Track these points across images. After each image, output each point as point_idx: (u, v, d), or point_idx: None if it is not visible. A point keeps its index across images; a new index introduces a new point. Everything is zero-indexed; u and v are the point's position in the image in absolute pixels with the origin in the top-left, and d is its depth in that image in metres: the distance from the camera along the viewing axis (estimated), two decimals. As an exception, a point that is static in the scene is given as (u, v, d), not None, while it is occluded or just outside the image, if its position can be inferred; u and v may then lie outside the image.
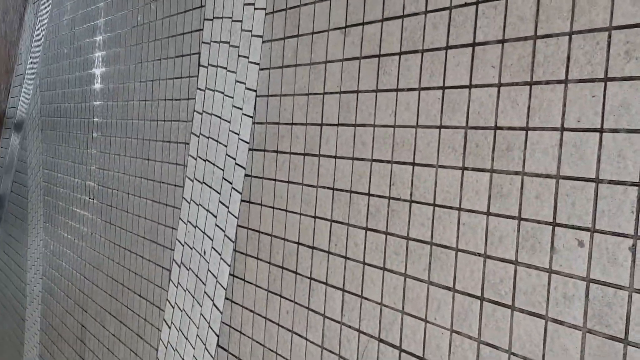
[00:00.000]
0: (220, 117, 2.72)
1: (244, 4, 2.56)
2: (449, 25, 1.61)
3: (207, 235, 2.75)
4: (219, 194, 2.69)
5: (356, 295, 1.89)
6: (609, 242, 1.24)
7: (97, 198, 4.12)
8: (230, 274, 2.55)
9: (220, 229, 2.65)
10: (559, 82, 1.34)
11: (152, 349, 3.18)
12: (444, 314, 1.60)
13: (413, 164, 1.71)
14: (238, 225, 2.52)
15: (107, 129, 4.03)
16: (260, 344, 2.32)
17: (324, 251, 2.03)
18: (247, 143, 2.49)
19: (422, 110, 1.69)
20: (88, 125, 4.38)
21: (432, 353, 1.63)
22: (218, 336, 2.59)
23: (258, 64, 2.44)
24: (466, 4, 1.56)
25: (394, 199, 1.77)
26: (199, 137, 2.89)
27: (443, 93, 1.63)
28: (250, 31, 2.50)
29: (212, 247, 2.70)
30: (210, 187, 2.76)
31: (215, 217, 2.70)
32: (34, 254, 5.50)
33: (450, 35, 1.61)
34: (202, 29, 2.89)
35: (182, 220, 2.99)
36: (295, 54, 2.22)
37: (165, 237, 3.16)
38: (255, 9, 2.48)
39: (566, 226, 1.32)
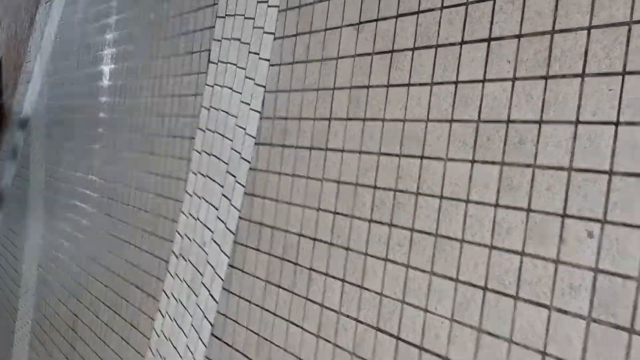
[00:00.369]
0: (227, 113, 2.68)
1: (258, 2, 2.53)
2: (464, 20, 1.58)
3: (208, 227, 2.70)
4: (222, 187, 2.64)
5: (356, 285, 1.84)
6: (619, 233, 1.21)
7: (98, 192, 4.06)
8: (229, 265, 2.49)
9: (222, 221, 2.60)
10: (576, 75, 1.31)
11: (144, 338, 3.11)
12: (445, 304, 1.56)
13: (422, 157, 1.68)
14: (240, 218, 2.47)
15: (113, 124, 3.97)
16: (255, 333, 2.27)
17: (326, 242, 1.98)
18: (254, 138, 2.45)
19: (433, 105, 1.66)
20: (94, 121, 4.33)
21: (430, 342, 1.58)
22: (212, 325, 2.53)
23: (268, 60, 2.41)
24: (484, 0, 1.54)
25: (400, 191, 1.73)
26: (205, 131, 2.84)
27: (456, 87, 1.60)
28: (262, 28, 2.47)
29: (212, 239, 2.64)
30: (214, 181, 2.71)
31: (217, 209, 2.65)
32: (32, 246, 5.41)
33: (466, 31, 1.58)
34: (214, 26, 2.86)
35: (183, 213, 2.94)
36: (306, 50, 2.19)
37: (165, 229, 3.10)
38: (268, 6, 2.45)
39: (576, 218, 1.28)
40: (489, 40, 1.52)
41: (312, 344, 1.98)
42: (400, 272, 1.70)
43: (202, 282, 2.67)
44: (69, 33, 5.17)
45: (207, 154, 2.79)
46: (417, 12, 1.73)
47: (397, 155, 1.76)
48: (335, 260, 1.94)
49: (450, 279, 1.55)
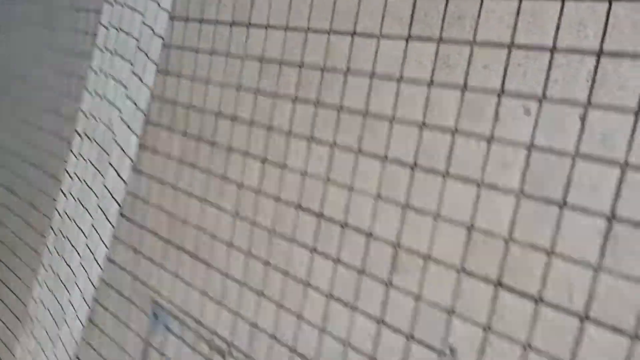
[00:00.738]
0: (138, -15, 2.43)
1: None
2: None
3: (116, 106, 2.50)
4: (132, 65, 2.43)
5: (278, 164, 1.75)
6: (558, 110, 1.17)
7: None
8: (139, 145, 2.33)
9: (131, 100, 2.41)
10: (525, -51, 1.23)
11: (45, 218, 2.92)
12: (370, 182, 1.50)
13: (353, 34, 1.57)
14: (152, 97, 2.29)
15: (7, -5, 3.57)
16: (167, 212, 2.15)
17: (246, 122, 1.87)
18: (168, 12, 2.24)
19: (369, -22, 1.54)
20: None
21: (354, 218, 1.53)
22: (120, 206, 2.38)
23: None
24: None
25: (328, 69, 1.63)
26: (112, 4, 2.59)
27: (395, -40, 1.48)
28: None
29: (121, 118, 2.45)
30: (123, 58, 2.49)
31: (126, 88, 2.45)
32: None
33: None
34: None
35: (88, 91, 2.71)
36: None
37: (67, 109, 2.86)
38: None
39: (514, 95, 1.24)
40: None
41: (229, 223, 1.90)
42: (325, 151, 1.62)
43: (109, 163, 2.49)
44: None
45: (116, 28, 2.55)
46: None
47: (326, 31, 1.64)
48: (256, 139, 1.84)
49: (378, 157, 1.49)
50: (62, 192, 2.80)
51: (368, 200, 1.50)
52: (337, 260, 1.56)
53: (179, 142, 2.13)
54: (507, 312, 1.21)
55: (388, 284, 1.44)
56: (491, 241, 1.25)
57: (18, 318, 3.07)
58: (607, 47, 1.11)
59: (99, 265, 2.46)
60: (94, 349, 2.44)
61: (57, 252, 2.78)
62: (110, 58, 2.57)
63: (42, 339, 2.81)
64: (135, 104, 2.37)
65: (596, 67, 1.12)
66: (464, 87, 1.32)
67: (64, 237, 2.73)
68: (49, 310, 2.79)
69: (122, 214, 2.37)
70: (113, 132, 2.50)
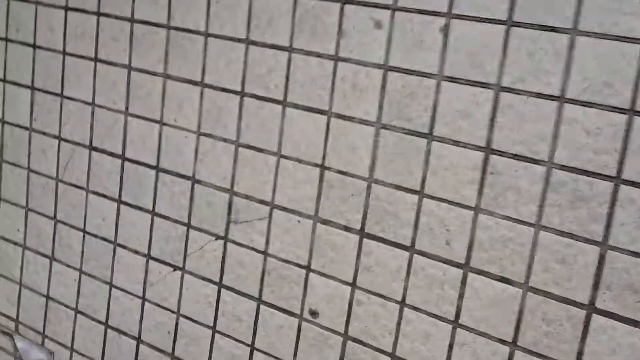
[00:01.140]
0: None
1: None
2: None
3: None
4: None
5: (54, 94, 1.34)
6: (415, 22, 0.95)
7: None
8: None
9: None
10: None
11: None
12: (188, 114, 1.19)
13: None
14: None
15: None
16: None
17: (4, 39, 1.40)
18: None
19: None
20: None
21: (170, 158, 1.22)
22: None
23: None
24: None
25: (108, -31, 1.23)
26: None
27: None
28: None
29: None
30: None
31: None
32: None
33: None
34: None
35: None
36: None
37: None
38: None
39: (360, 3, 0.99)
40: None
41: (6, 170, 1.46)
42: (119, 75, 1.25)
43: None
44: None
45: None
46: None
47: None
48: (20, 62, 1.39)
49: (194, 83, 1.17)
50: None
51: (188, 136, 1.19)
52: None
53: None
54: (374, 264, 1.03)
55: (224, 238, 1.18)
56: (349, 182, 1.04)
57: None
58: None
59: None
60: None
61: None
62: None
63: None
64: None
65: (461, -29, 0.91)
66: (296, -6, 1.04)
67: None
68: None
69: None
70: None
